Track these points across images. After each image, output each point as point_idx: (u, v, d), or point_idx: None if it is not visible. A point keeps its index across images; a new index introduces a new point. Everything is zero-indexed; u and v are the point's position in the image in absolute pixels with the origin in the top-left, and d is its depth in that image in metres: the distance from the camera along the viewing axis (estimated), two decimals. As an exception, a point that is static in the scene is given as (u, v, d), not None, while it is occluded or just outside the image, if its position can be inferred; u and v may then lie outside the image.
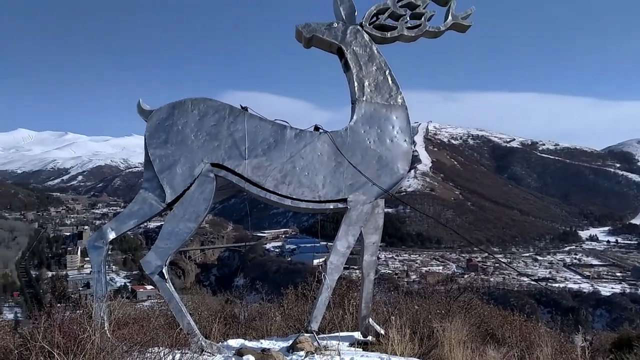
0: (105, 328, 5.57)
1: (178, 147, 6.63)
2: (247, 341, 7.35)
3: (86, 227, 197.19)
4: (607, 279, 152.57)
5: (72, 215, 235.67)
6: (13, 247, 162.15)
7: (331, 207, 6.90)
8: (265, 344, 7.10)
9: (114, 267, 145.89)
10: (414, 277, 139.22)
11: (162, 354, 5.38)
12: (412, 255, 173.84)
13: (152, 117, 6.75)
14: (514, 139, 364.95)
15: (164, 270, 6.44)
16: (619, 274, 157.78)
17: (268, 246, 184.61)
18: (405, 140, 7.06)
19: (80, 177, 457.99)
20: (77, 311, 6.69)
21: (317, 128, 7.01)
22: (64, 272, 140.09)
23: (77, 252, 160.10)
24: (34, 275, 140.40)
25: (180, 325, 6.39)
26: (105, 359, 4.69)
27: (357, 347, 6.96)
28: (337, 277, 6.99)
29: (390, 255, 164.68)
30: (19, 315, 63.98)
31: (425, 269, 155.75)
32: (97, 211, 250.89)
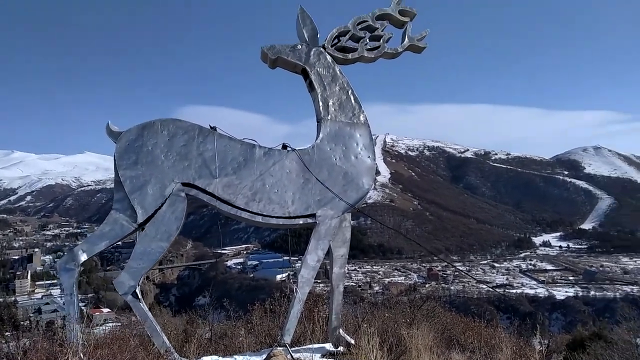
0: (82, 350, 5.55)
1: (148, 167, 6.70)
2: (221, 358, 7.41)
3: (36, 249, 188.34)
4: (561, 283, 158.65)
5: (20, 238, 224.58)
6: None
7: (301, 222, 7.12)
8: (239, 359, 7.19)
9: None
10: (377, 288, 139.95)
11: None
12: (374, 267, 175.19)
13: (121, 138, 6.80)
14: (468, 149, 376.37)
15: (137, 291, 6.47)
16: (571, 278, 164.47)
17: (229, 263, 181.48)
18: (369, 157, 7.40)
19: (29, 198, 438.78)
20: (50, 334, 6.59)
21: (285, 146, 7.26)
22: (13, 298, 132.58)
23: (27, 276, 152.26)
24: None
25: (156, 344, 6.41)
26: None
27: (329, 358, 7.15)
28: (308, 290, 7.20)
29: (352, 268, 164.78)
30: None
31: (387, 279, 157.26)
32: (48, 232, 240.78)
